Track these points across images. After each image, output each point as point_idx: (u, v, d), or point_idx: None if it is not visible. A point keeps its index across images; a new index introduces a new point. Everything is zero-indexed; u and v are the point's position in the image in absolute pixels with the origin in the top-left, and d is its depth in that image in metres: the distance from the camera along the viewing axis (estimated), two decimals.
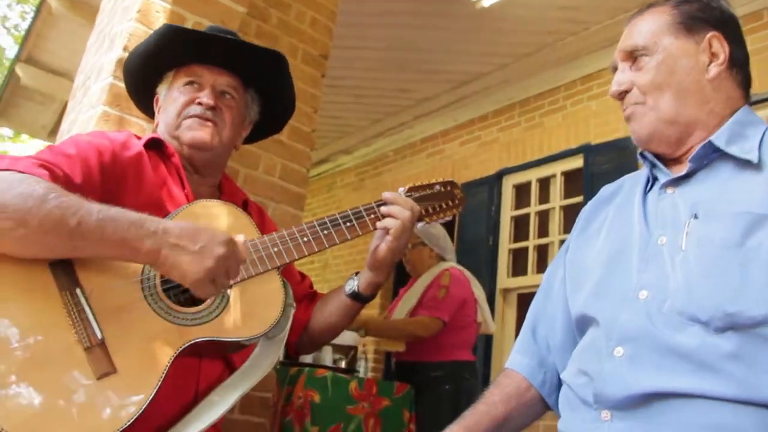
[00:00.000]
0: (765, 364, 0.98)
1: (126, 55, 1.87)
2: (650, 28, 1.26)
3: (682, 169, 1.22)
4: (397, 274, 3.88)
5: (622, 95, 1.28)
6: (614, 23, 4.51)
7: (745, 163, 1.13)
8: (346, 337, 3.64)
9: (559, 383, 1.31)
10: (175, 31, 1.59)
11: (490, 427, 1.29)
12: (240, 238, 1.32)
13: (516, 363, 1.40)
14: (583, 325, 1.25)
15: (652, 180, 1.29)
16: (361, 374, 3.83)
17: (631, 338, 1.09)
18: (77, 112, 2.43)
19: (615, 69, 1.33)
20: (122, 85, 1.84)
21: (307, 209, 7.39)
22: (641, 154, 1.31)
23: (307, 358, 3.44)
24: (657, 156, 1.27)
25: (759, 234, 1.03)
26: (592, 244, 1.33)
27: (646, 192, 1.28)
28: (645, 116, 1.24)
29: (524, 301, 4.94)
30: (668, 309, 1.07)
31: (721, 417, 0.97)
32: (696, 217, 1.12)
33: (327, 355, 3.56)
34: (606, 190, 1.44)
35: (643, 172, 1.33)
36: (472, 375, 3.53)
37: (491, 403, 1.33)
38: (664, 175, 1.25)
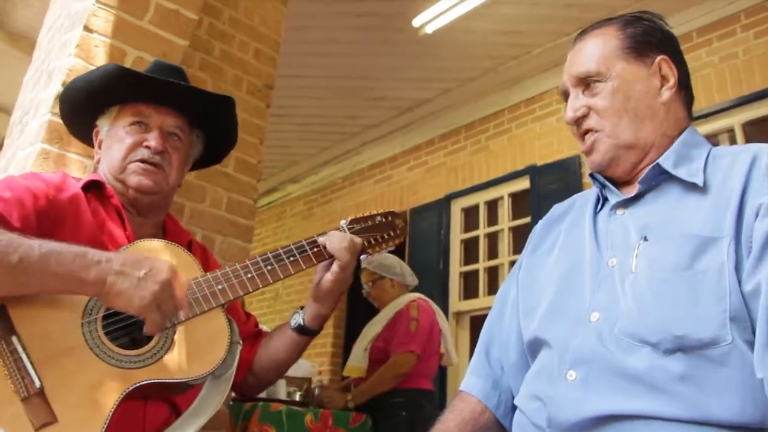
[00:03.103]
0: (712, 385, 0.99)
1: None
2: (600, 52, 1.27)
3: (631, 190, 1.24)
4: (367, 307, 3.89)
5: (578, 121, 1.29)
6: (555, 46, 4.62)
7: (691, 186, 1.16)
8: (300, 369, 3.61)
9: (514, 405, 1.31)
10: (124, 73, 1.54)
11: None
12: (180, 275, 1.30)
13: (470, 386, 1.40)
14: (535, 347, 1.26)
15: (602, 200, 1.30)
16: None
17: (584, 361, 1.10)
18: (14, 149, 2.37)
19: (565, 93, 1.33)
20: (61, 121, 1.79)
21: (256, 239, 7.33)
22: (591, 175, 1.32)
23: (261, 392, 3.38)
24: (608, 177, 1.29)
25: (706, 257, 1.05)
26: (544, 263, 1.34)
27: (596, 212, 1.30)
28: (602, 143, 1.25)
29: (477, 323, 4.96)
30: (619, 331, 1.08)
31: None
32: (646, 239, 1.14)
33: (281, 389, 3.51)
34: (557, 209, 1.46)
35: (592, 191, 1.35)
36: (431, 403, 3.53)
37: (446, 429, 1.32)
38: (614, 195, 1.27)
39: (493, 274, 5.02)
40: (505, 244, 4.98)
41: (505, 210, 5.07)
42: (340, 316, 6.02)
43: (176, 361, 1.29)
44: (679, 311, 1.03)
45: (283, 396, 3.51)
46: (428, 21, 4.41)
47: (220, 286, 1.40)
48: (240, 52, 2.99)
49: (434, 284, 5.09)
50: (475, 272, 5.12)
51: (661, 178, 1.21)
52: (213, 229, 2.70)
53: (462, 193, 5.35)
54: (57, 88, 2.04)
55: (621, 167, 1.26)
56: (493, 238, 5.13)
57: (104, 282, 1.19)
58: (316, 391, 3.68)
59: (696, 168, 1.17)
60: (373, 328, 3.64)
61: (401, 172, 6.02)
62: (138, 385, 1.24)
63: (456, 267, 5.24)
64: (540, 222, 1.47)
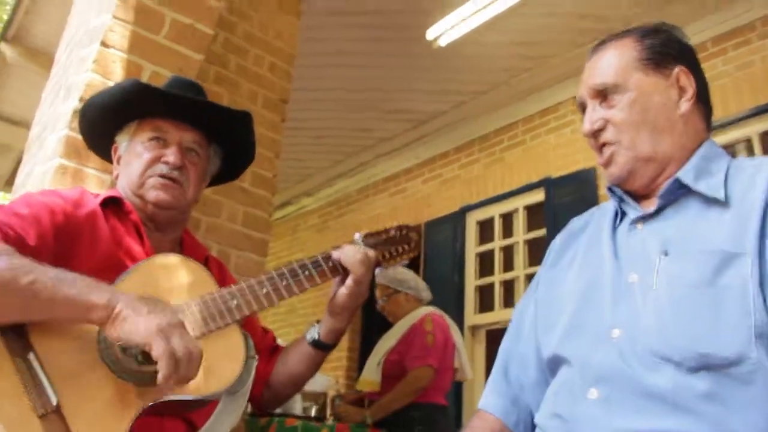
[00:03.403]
0: (738, 403, 0.97)
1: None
2: (618, 64, 1.25)
3: (650, 205, 1.22)
4: (382, 322, 3.87)
5: (596, 133, 1.27)
6: (570, 57, 4.60)
7: (712, 200, 1.13)
8: (316, 384, 3.59)
9: (534, 423, 1.29)
10: (143, 88, 1.55)
11: None
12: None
13: (489, 404, 1.37)
14: (554, 365, 1.23)
15: (620, 214, 1.28)
16: None
17: (605, 379, 1.08)
18: (33, 164, 2.39)
19: (582, 105, 1.31)
20: (79, 136, 1.80)
21: (270, 253, 7.27)
22: (609, 188, 1.30)
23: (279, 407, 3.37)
24: (626, 191, 1.27)
25: (729, 272, 1.03)
26: (563, 279, 1.32)
27: (615, 227, 1.27)
28: (620, 156, 1.23)
29: (493, 337, 4.93)
30: (641, 349, 1.06)
31: None
32: (666, 254, 1.11)
33: (296, 404, 3.50)
34: (575, 223, 1.43)
35: (610, 204, 1.33)
36: (445, 418, 3.52)
37: None
38: (632, 210, 1.24)
39: (509, 287, 4.98)
40: (520, 256, 4.95)
41: (520, 222, 5.04)
42: (355, 330, 6.00)
43: None
44: (702, 328, 1.01)
45: (298, 411, 3.50)
46: (441, 33, 4.40)
47: (235, 302, 1.40)
48: (255, 66, 3.00)
49: (449, 297, 5.06)
50: (491, 285, 5.09)
51: (680, 192, 1.18)
52: (229, 243, 2.70)
53: (477, 205, 5.33)
54: (75, 104, 2.05)
55: (639, 180, 1.24)
56: (508, 251, 5.10)
57: (113, 308, 1.17)
58: (336, 402, 3.67)
59: (716, 182, 1.15)
60: (387, 341, 3.63)
61: (416, 184, 6.01)
62: (154, 402, 1.23)
63: (471, 280, 5.21)
64: (558, 236, 1.45)
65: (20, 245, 1.22)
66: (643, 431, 1.00)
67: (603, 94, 1.26)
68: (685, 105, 1.22)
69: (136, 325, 1.16)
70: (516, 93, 5.08)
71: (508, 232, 5.14)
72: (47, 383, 1.15)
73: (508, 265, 5.04)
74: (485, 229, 5.32)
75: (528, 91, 5.03)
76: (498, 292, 5.01)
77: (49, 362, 1.18)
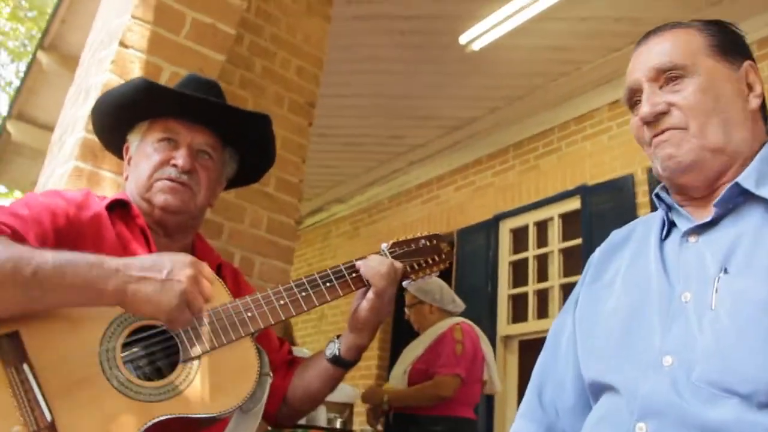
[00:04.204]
0: None
1: None
2: (686, 46, 1.12)
3: (703, 214, 1.08)
4: (413, 329, 3.78)
5: (657, 117, 1.10)
6: (605, 62, 4.49)
7: None
8: (341, 395, 3.51)
9: None
10: (152, 87, 1.48)
11: None
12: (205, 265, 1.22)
13: (522, 430, 1.25)
14: (597, 391, 1.10)
15: (668, 225, 1.14)
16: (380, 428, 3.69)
17: (656, 413, 0.94)
18: (53, 167, 2.35)
19: (634, 91, 1.16)
20: (95, 138, 1.74)
21: (302, 259, 7.29)
22: (656, 195, 1.16)
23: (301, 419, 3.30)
24: (679, 192, 1.13)
25: None
26: (605, 297, 1.18)
27: (662, 239, 1.14)
28: (686, 142, 1.07)
29: (526, 348, 4.80)
30: (698, 378, 0.92)
31: None
32: (726, 270, 0.98)
33: (321, 415, 3.41)
34: (617, 235, 1.29)
35: (656, 215, 1.18)
36: None
37: None
38: (684, 220, 1.11)
39: (543, 297, 4.85)
40: (555, 266, 4.81)
41: (555, 231, 4.91)
42: (384, 338, 5.91)
43: (199, 395, 1.20)
44: None
45: (323, 422, 3.41)
46: (475, 38, 4.32)
47: (249, 314, 1.31)
48: (282, 69, 2.93)
49: (482, 307, 4.94)
50: (524, 295, 4.96)
51: (739, 199, 1.04)
52: (252, 249, 2.63)
53: (510, 213, 5.21)
54: (91, 105, 2.00)
55: (705, 174, 1.08)
56: (542, 260, 4.97)
57: (125, 291, 1.11)
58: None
59: None
60: (414, 350, 3.54)
61: (448, 192, 5.90)
62: (156, 420, 1.15)
63: (504, 289, 5.08)
64: (597, 250, 1.30)
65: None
66: None
67: (667, 77, 1.11)
68: (755, 101, 1.10)
69: (157, 306, 1.13)
70: (551, 99, 4.96)
71: (542, 240, 5.01)
72: (41, 397, 1.07)
73: (543, 275, 4.91)
74: (519, 238, 5.20)
75: (563, 96, 4.90)
76: (532, 302, 4.88)
77: (45, 374, 1.10)
